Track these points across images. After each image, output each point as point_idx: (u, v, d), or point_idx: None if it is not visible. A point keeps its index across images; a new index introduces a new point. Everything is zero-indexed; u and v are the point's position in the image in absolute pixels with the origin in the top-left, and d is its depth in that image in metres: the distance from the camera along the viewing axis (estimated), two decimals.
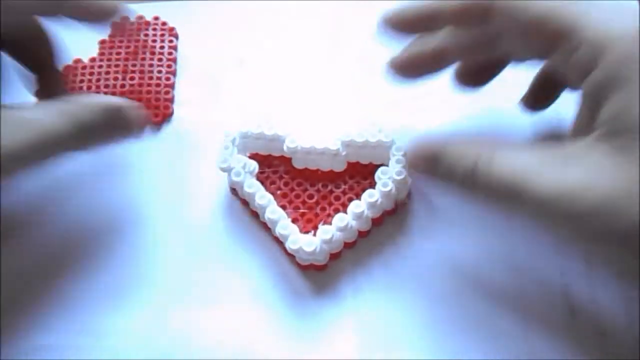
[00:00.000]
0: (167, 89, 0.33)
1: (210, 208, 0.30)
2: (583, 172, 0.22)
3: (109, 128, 0.26)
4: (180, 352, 0.27)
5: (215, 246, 0.29)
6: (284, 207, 0.29)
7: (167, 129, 0.32)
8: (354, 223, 0.28)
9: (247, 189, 0.28)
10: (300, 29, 0.35)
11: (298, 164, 0.30)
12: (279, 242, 0.28)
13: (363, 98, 0.33)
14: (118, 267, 0.28)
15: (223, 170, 0.29)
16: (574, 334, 0.27)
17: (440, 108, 0.32)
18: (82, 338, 0.27)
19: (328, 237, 0.27)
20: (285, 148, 0.29)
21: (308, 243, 0.27)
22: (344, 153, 0.29)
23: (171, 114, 0.32)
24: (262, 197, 0.28)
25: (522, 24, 0.24)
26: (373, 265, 0.28)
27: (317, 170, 0.30)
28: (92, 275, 0.28)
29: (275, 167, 0.30)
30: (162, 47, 0.34)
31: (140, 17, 0.35)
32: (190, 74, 0.34)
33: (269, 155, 0.30)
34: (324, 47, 0.35)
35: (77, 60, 0.33)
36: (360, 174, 0.30)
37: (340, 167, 0.30)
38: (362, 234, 0.29)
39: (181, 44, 0.35)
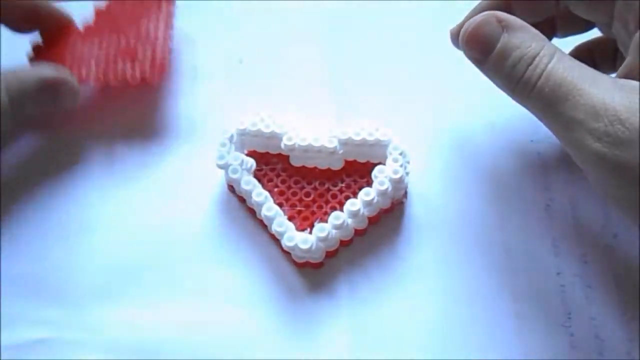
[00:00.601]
0: (163, 49, 0.32)
1: (207, 205, 0.30)
2: (629, 100, 0.22)
3: (41, 98, 0.29)
4: (175, 350, 0.27)
5: (211, 243, 0.29)
6: (280, 205, 0.29)
7: (166, 126, 0.32)
8: (350, 221, 0.28)
9: (244, 186, 0.28)
10: (299, 28, 0.35)
11: (295, 162, 0.30)
12: (275, 240, 0.28)
13: (361, 96, 0.33)
14: (113, 263, 0.28)
15: (220, 167, 0.29)
16: (569, 335, 0.27)
17: (441, 108, 0.32)
18: (76, 333, 0.27)
19: (324, 235, 0.27)
20: (282, 146, 0.29)
21: (304, 241, 0.27)
22: (341, 151, 0.29)
23: (166, 72, 0.31)
24: (259, 195, 0.28)
25: None
26: (369, 263, 0.28)
27: (315, 168, 0.30)
28: (88, 272, 0.28)
29: (272, 164, 0.30)
30: (159, 14, 0.33)
31: None
32: (189, 73, 0.34)
33: (267, 153, 0.30)
34: (323, 46, 0.35)
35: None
36: (357, 172, 0.30)
37: (337, 165, 0.30)
38: (358, 232, 0.29)
39: (181, 43, 0.35)
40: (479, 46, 0.25)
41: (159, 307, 0.28)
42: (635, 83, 0.22)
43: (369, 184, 0.28)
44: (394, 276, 0.28)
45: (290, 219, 0.28)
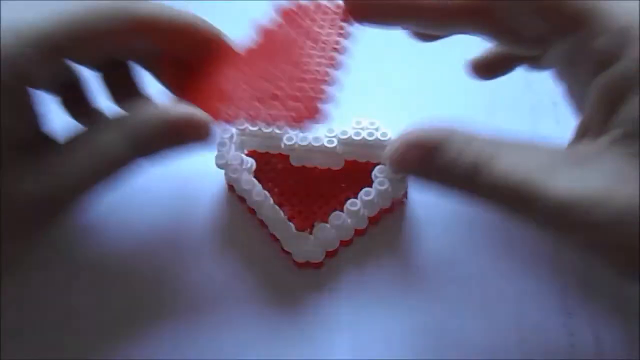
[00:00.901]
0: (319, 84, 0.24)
1: (207, 205, 0.30)
2: (602, 178, 0.20)
3: (169, 143, 0.24)
4: (174, 350, 0.27)
5: (211, 243, 0.29)
6: (280, 205, 0.28)
7: None
8: (350, 221, 0.28)
9: (244, 186, 0.28)
10: None
11: (295, 162, 0.30)
12: (275, 240, 0.28)
13: (361, 96, 0.33)
14: (111, 263, 0.28)
15: (220, 167, 0.29)
16: (569, 335, 0.27)
17: (441, 108, 0.32)
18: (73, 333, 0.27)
19: (324, 234, 0.27)
20: (282, 145, 0.29)
21: (304, 241, 0.27)
22: (341, 151, 0.29)
23: (320, 115, 0.24)
24: (259, 195, 0.28)
25: (533, 10, 0.22)
26: (369, 263, 0.28)
27: (315, 168, 0.30)
28: (86, 270, 0.28)
29: (272, 164, 0.30)
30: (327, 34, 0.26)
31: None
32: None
33: (267, 153, 0.30)
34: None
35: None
36: (357, 172, 0.30)
37: (337, 165, 0.30)
38: (358, 232, 0.29)
39: None
40: (418, 163, 0.22)
41: (156, 306, 0.27)
42: (593, 154, 0.20)
43: (369, 184, 0.28)
44: (394, 276, 0.28)
45: (290, 219, 0.28)
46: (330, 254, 0.28)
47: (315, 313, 0.27)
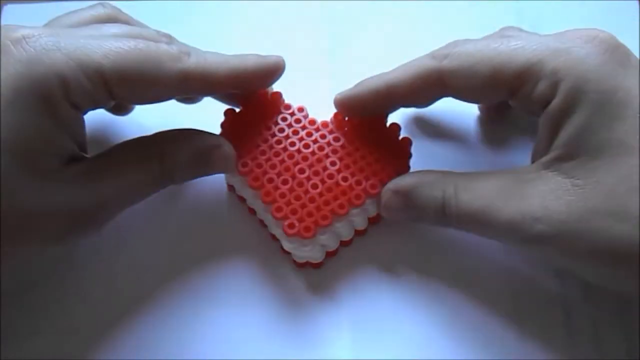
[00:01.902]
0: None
1: (207, 205, 0.30)
2: (539, 199, 0.23)
3: (198, 171, 0.27)
4: (174, 350, 0.27)
5: (211, 243, 0.29)
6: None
7: (163, 124, 0.32)
8: (350, 222, 0.27)
9: (244, 187, 0.28)
10: (300, 28, 0.35)
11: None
12: (275, 240, 0.28)
13: None
14: (110, 265, 0.28)
15: None
16: (569, 335, 0.27)
17: (441, 108, 0.32)
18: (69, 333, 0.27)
19: (324, 235, 0.27)
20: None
21: (304, 241, 0.27)
22: None
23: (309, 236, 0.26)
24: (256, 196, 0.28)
25: (479, 81, 0.25)
26: (369, 264, 0.28)
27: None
28: (84, 269, 0.28)
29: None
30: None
31: None
32: None
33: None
34: (324, 46, 0.35)
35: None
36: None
37: None
38: (358, 233, 0.29)
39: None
40: (399, 209, 0.26)
41: (156, 307, 0.27)
42: (534, 176, 0.24)
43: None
44: (393, 276, 0.28)
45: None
46: (330, 254, 0.28)
47: (315, 313, 0.27)
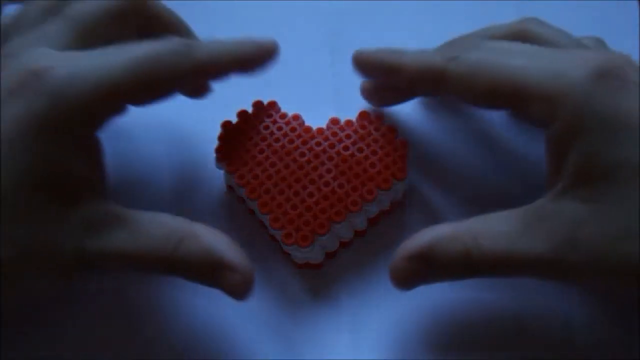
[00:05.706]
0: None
1: (206, 205, 0.30)
2: (562, 230, 0.23)
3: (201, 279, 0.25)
4: (173, 350, 0.27)
5: None
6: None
7: (163, 125, 0.32)
8: (349, 222, 0.28)
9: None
10: (300, 28, 0.35)
11: None
12: (275, 240, 0.28)
13: (362, 99, 0.33)
14: None
15: (219, 167, 0.29)
16: (569, 341, 0.27)
17: (442, 109, 0.32)
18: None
19: (324, 236, 0.27)
20: None
21: (303, 241, 0.27)
22: None
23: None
24: None
25: (478, 92, 0.25)
26: (369, 264, 0.28)
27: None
28: None
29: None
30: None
31: None
32: None
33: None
34: (324, 47, 0.35)
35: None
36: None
37: None
38: (358, 234, 0.29)
39: None
40: (417, 271, 0.25)
41: (155, 307, 0.28)
42: (554, 207, 0.23)
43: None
44: None
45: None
46: (329, 255, 0.28)
47: (314, 314, 0.27)
